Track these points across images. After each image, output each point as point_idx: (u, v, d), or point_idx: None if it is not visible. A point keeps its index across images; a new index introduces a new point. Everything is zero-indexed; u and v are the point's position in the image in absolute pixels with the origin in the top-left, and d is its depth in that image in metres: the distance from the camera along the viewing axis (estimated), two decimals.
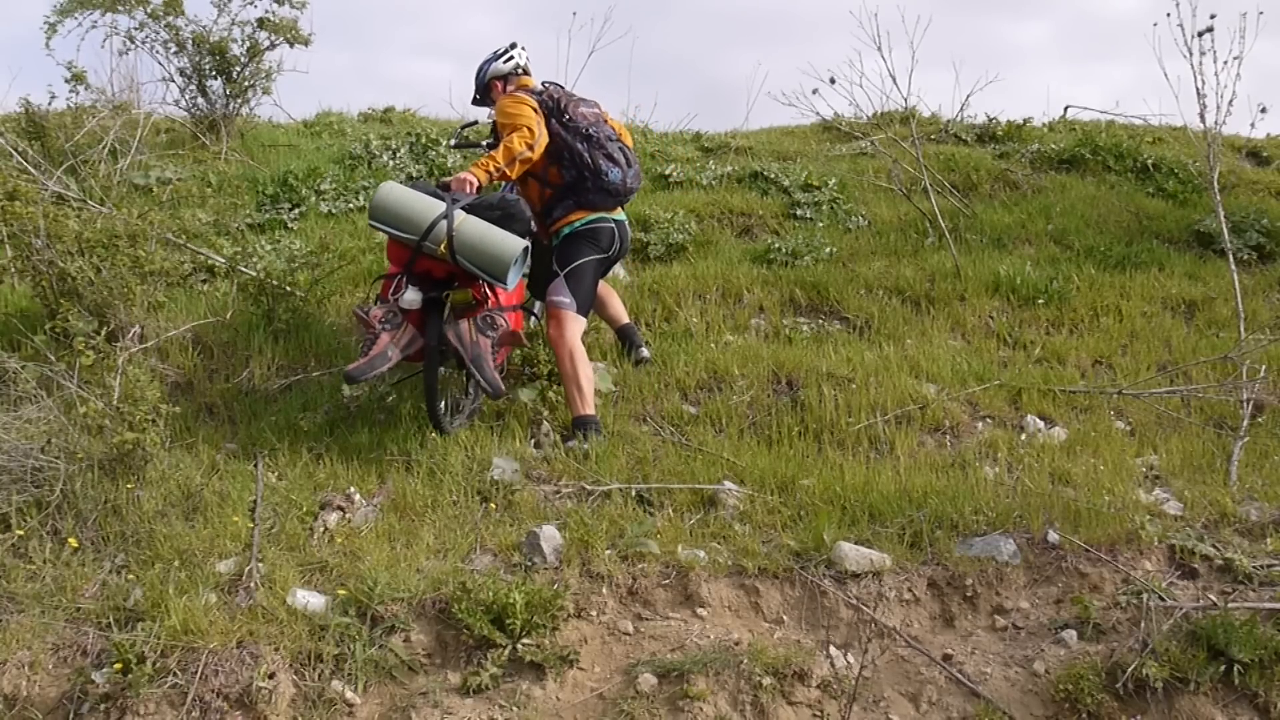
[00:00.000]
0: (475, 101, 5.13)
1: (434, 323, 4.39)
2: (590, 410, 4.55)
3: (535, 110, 4.69)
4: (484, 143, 5.33)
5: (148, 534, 3.77)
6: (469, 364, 4.25)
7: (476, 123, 6.09)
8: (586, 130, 4.79)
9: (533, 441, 4.63)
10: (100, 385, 4.22)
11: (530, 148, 4.56)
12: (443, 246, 4.22)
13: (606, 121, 4.93)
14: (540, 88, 4.95)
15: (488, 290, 4.43)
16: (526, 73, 5.00)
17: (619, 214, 4.95)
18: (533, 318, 5.17)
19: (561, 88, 5.02)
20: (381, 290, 4.48)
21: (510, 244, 4.23)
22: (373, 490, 4.21)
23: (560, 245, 4.83)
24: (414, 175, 7.22)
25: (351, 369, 4.19)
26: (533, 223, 4.51)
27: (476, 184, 4.54)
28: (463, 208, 4.31)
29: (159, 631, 3.31)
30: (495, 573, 3.72)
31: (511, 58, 4.93)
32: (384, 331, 4.24)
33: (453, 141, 6.16)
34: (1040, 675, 3.46)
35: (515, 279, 4.35)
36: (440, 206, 4.27)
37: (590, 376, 4.62)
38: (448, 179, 4.67)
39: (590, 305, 4.85)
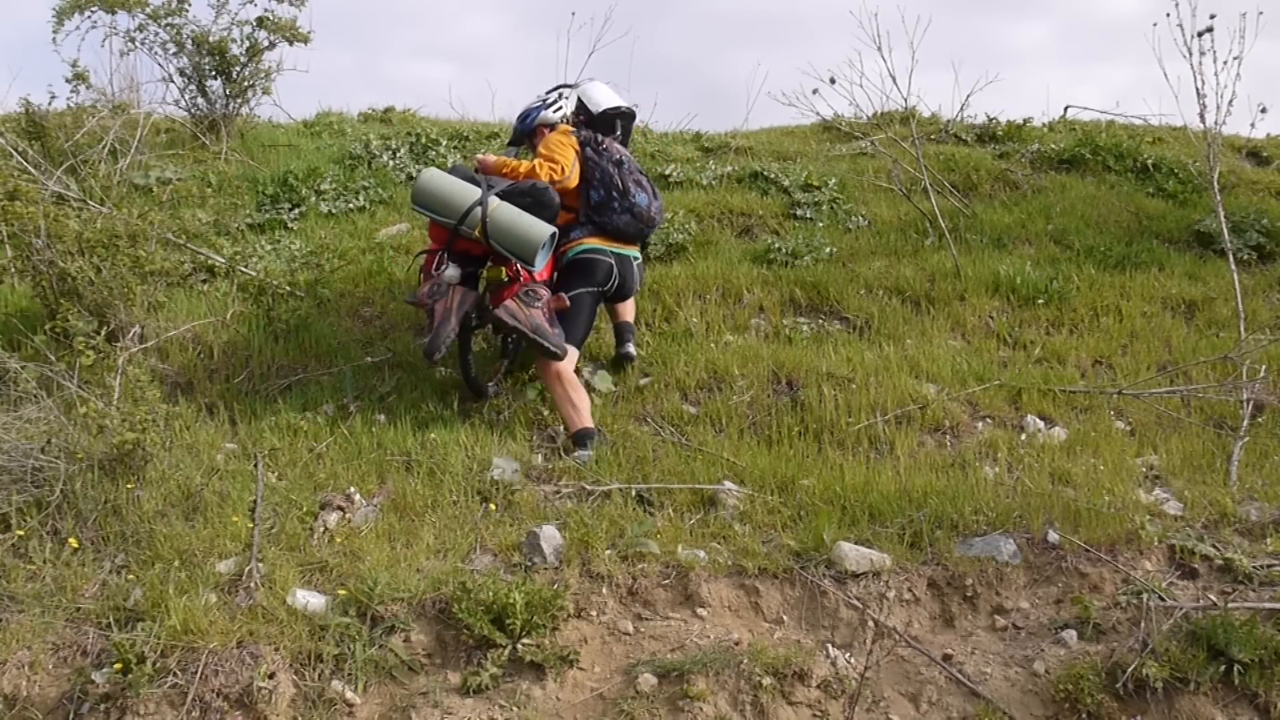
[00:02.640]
0: (512, 143, 5.39)
1: (470, 293, 4.74)
2: (587, 424, 4.57)
3: (576, 154, 4.98)
4: None
5: (148, 534, 3.77)
6: (532, 336, 4.56)
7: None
8: (619, 158, 5.04)
9: (539, 454, 4.61)
10: (100, 385, 4.22)
11: (552, 184, 4.80)
12: (477, 230, 4.55)
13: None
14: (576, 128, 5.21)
15: (520, 269, 4.69)
16: (568, 120, 5.23)
17: (626, 249, 5.04)
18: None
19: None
20: (425, 264, 4.84)
21: (538, 229, 4.55)
22: (373, 490, 4.21)
23: (559, 272, 4.95)
24: (413, 176, 7.22)
25: (425, 345, 4.58)
26: (558, 212, 4.79)
27: (492, 164, 4.96)
28: (497, 194, 4.64)
29: (159, 631, 3.31)
30: (495, 573, 3.72)
31: (560, 108, 5.22)
32: (436, 303, 4.61)
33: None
34: (1040, 675, 3.47)
35: (543, 262, 4.65)
36: (476, 193, 4.61)
37: (583, 394, 4.68)
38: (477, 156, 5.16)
39: (583, 338, 4.92)
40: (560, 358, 4.61)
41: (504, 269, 4.72)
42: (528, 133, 5.24)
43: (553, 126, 5.16)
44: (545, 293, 4.64)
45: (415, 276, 4.92)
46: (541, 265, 4.64)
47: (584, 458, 4.41)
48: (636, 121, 8.39)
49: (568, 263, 4.95)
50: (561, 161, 4.86)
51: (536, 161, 4.88)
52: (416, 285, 4.85)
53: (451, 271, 4.66)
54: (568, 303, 4.75)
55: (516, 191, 4.67)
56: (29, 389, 4.07)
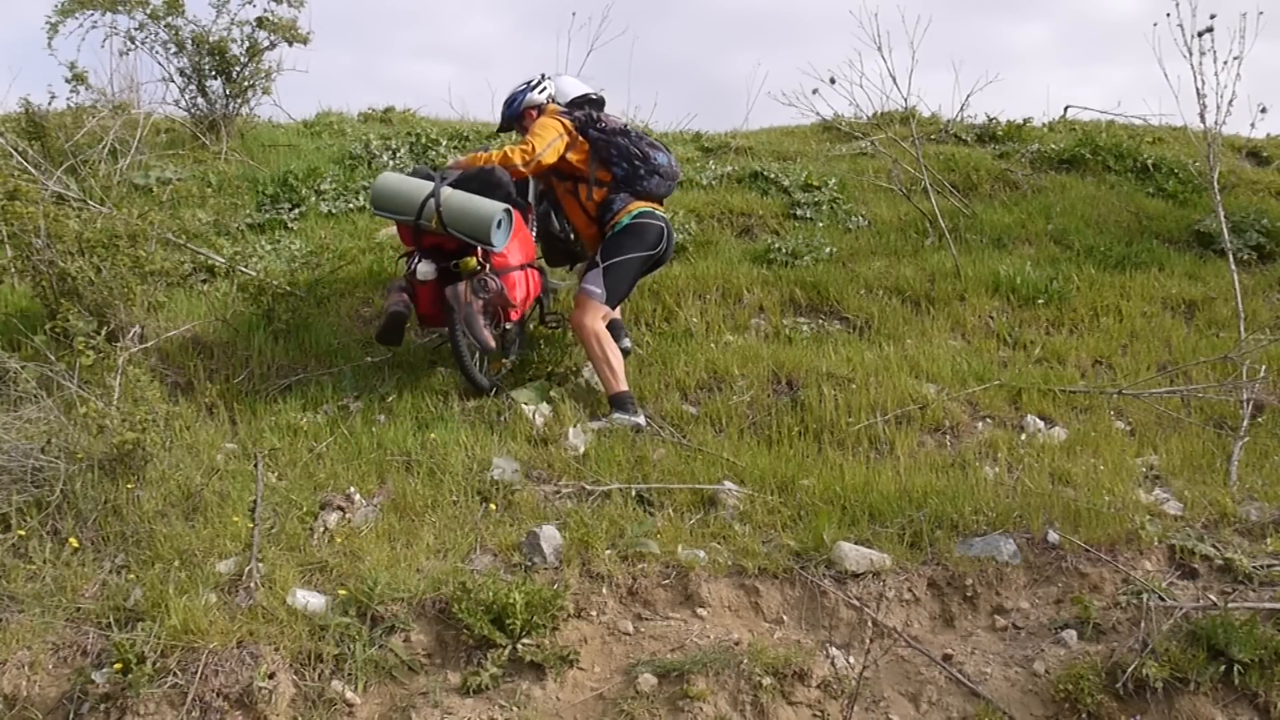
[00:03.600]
0: (502, 129, 5.46)
1: (451, 288, 4.76)
2: (625, 386, 4.75)
3: (562, 130, 4.98)
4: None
5: (148, 534, 3.77)
6: (462, 323, 4.68)
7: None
8: (623, 127, 5.12)
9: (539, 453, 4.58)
10: (100, 385, 4.22)
11: (525, 164, 4.87)
12: (434, 222, 4.63)
13: None
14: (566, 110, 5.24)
15: (485, 254, 4.76)
16: (554, 101, 5.29)
17: (665, 213, 5.15)
18: (551, 294, 5.38)
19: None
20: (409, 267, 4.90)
21: (489, 208, 4.61)
22: (373, 490, 4.20)
23: (610, 239, 4.99)
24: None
25: (375, 332, 4.88)
26: (513, 190, 4.87)
27: (462, 162, 5.01)
28: (449, 184, 4.72)
29: (159, 631, 3.31)
30: (495, 573, 3.72)
31: (545, 89, 5.26)
32: (395, 291, 4.80)
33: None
34: (1040, 675, 3.46)
35: (502, 241, 4.70)
36: (429, 187, 4.69)
37: (619, 355, 4.84)
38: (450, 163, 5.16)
39: (620, 301, 5.03)
40: (485, 352, 4.77)
41: (474, 257, 4.76)
42: (516, 117, 5.27)
43: (540, 108, 5.19)
44: (495, 285, 4.68)
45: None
46: (502, 244, 4.69)
47: (627, 421, 4.58)
48: (637, 121, 8.47)
49: (623, 229, 4.97)
50: (534, 141, 4.89)
51: (507, 148, 4.92)
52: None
53: (425, 267, 4.74)
54: (579, 288, 4.84)
55: (466, 178, 4.77)
56: (29, 389, 4.07)
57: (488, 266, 4.72)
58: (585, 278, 4.94)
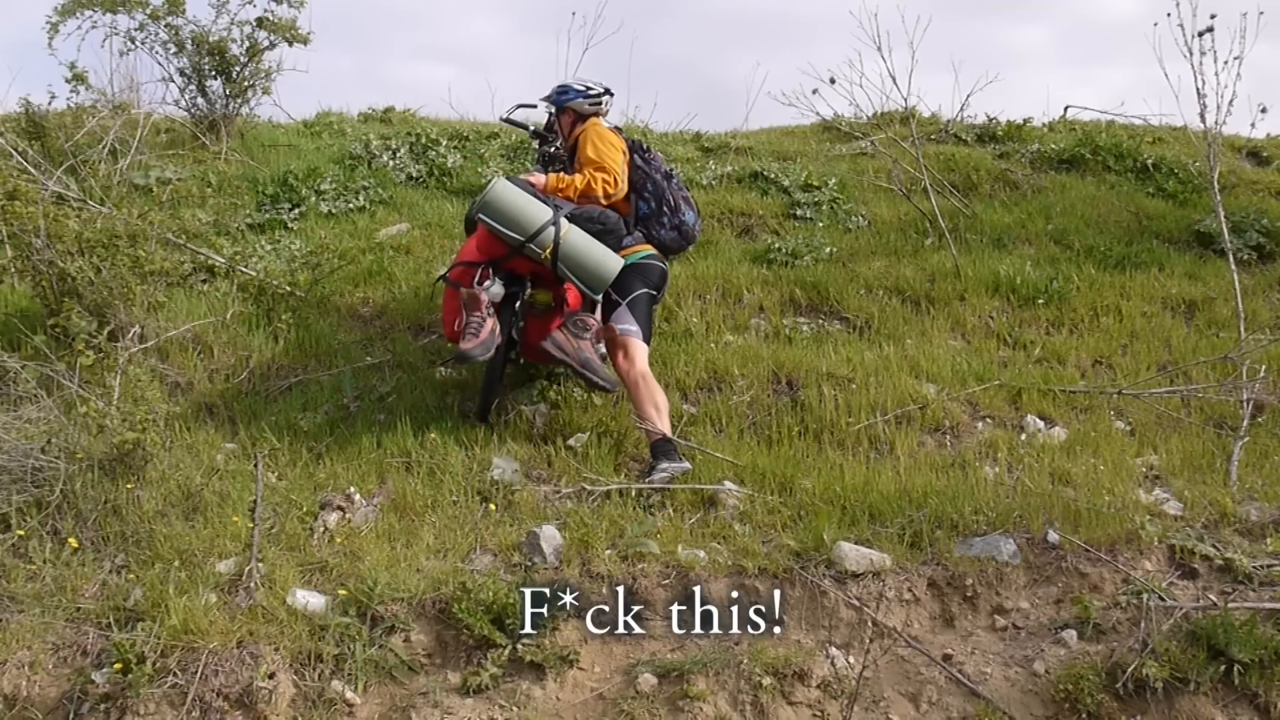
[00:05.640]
0: (525, 105, 5.22)
1: (506, 316, 4.56)
2: (669, 430, 4.43)
3: (625, 155, 4.82)
4: (530, 127, 5.53)
5: (148, 534, 3.77)
6: (579, 369, 4.45)
7: (535, 106, 5.87)
8: (667, 170, 4.96)
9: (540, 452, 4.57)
10: (100, 385, 4.23)
11: (608, 197, 4.70)
12: (547, 252, 4.39)
13: None
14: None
15: (564, 293, 4.59)
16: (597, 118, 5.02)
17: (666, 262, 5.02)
18: None
19: None
20: (457, 275, 4.60)
21: (612, 261, 4.46)
22: (373, 490, 4.21)
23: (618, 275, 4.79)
24: (413, 175, 7.22)
25: (466, 349, 4.28)
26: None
27: (543, 185, 4.68)
28: (565, 216, 4.47)
29: (159, 631, 3.31)
30: (495, 573, 3.72)
31: (600, 103, 4.96)
32: (490, 317, 4.39)
33: (503, 115, 5.84)
34: (1040, 675, 3.47)
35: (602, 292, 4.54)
36: (547, 212, 4.43)
37: (664, 398, 4.56)
38: (525, 176, 4.79)
39: (651, 333, 4.80)
40: (610, 391, 4.56)
41: (549, 293, 4.58)
42: (557, 107, 4.98)
43: (584, 117, 4.93)
44: (594, 322, 4.51)
45: (437, 287, 4.69)
46: (600, 295, 4.53)
47: (673, 471, 4.24)
48: (636, 121, 8.47)
49: (629, 264, 4.73)
50: (613, 170, 4.69)
51: (588, 173, 4.68)
52: (442, 291, 4.68)
53: (498, 289, 4.48)
54: (618, 332, 4.61)
55: (585, 216, 4.51)
56: (29, 389, 4.07)
57: (564, 305, 4.55)
58: (615, 317, 4.63)
